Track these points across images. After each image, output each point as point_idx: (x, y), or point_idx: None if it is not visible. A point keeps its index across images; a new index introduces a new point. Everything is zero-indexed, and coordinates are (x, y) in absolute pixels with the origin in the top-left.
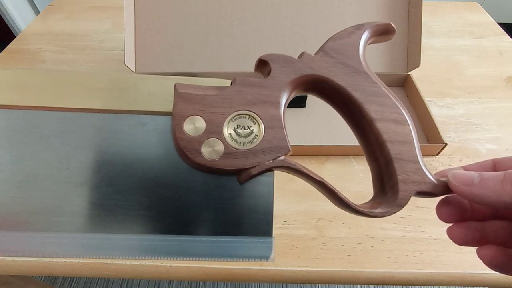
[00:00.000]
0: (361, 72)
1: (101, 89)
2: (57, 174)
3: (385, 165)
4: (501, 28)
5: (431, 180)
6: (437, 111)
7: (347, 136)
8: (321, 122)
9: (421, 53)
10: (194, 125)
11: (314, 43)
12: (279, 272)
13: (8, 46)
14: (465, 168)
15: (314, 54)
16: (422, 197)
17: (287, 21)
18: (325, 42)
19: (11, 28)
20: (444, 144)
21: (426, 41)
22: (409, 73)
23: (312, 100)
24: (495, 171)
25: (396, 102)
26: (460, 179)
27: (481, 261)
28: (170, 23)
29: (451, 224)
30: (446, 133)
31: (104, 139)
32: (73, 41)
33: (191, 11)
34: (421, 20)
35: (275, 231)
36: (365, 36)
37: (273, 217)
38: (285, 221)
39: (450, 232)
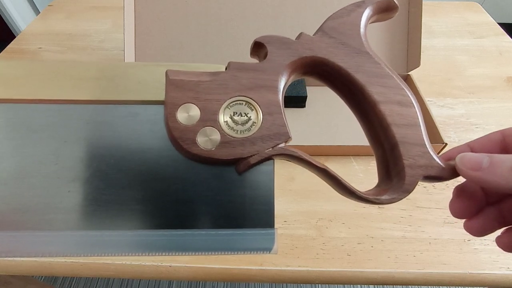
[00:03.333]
0: (363, 52)
1: (89, 79)
2: (46, 170)
3: (390, 149)
4: (501, 28)
5: (439, 163)
6: (437, 111)
7: (347, 136)
8: (321, 122)
9: (421, 53)
10: (188, 114)
11: None
12: (279, 272)
13: (8, 46)
14: (472, 146)
15: (313, 35)
16: (430, 182)
17: (287, 21)
18: (324, 22)
19: (11, 28)
20: (444, 144)
21: (426, 41)
22: (409, 73)
23: (312, 100)
24: (505, 146)
25: (401, 83)
26: (467, 164)
27: (481, 261)
28: (170, 23)
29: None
30: (446, 133)
31: (94, 131)
32: (73, 41)
33: (191, 11)
34: (421, 20)
35: None
36: (366, 13)
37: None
38: (285, 221)
39: (468, 227)
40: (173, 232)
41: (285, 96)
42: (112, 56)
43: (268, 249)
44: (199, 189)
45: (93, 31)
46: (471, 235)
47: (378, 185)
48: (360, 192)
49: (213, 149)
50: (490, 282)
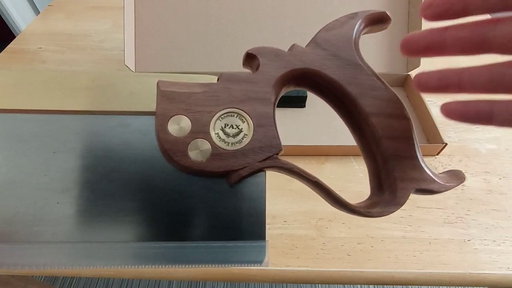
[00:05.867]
0: (355, 65)
1: (80, 89)
2: (36, 181)
3: (382, 162)
4: None
5: (430, 176)
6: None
7: (347, 136)
8: (321, 122)
9: None
10: (179, 125)
11: None
12: (279, 272)
13: (8, 46)
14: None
15: (306, 46)
16: (422, 195)
17: (287, 21)
18: (317, 33)
19: (11, 28)
20: (444, 144)
21: None
22: (409, 73)
23: (312, 100)
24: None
25: (393, 96)
26: None
27: (481, 261)
28: (170, 23)
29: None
30: (446, 133)
31: (85, 142)
32: (73, 41)
33: (191, 11)
34: (421, 20)
35: (275, 231)
36: (359, 25)
37: (273, 217)
38: (285, 221)
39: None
40: (163, 244)
41: (285, 96)
42: (112, 56)
43: (259, 262)
44: (190, 201)
45: (93, 31)
46: (471, 235)
47: (370, 197)
48: (351, 205)
49: (204, 161)
50: (490, 282)
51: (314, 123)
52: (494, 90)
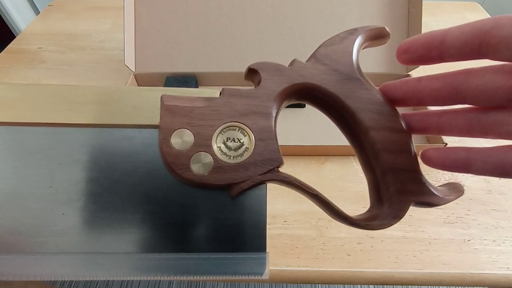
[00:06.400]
0: (355, 79)
1: (85, 103)
2: (41, 192)
3: (381, 175)
4: None
5: (429, 189)
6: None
7: None
8: (321, 122)
9: None
10: (181, 139)
11: (314, 43)
12: (279, 272)
13: (8, 46)
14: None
15: (306, 61)
16: (421, 207)
17: (287, 21)
18: (317, 49)
19: (11, 28)
20: (444, 144)
21: None
22: (409, 73)
23: None
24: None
25: (392, 110)
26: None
27: (481, 261)
28: (170, 23)
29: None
30: None
31: (89, 154)
32: (73, 41)
33: (191, 11)
34: (421, 20)
35: (275, 231)
36: (358, 41)
37: (273, 217)
38: (285, 221)
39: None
40: (166, 256)
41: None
42: (112, 56)
43: (259, 274)
44: (193, 213)
45: (93, 31)
46: (471, 235)
47: (369, 210)
48: (351, 217)
49: (206, 174)
50: (490, 282)
51: (314, 123)
52: (471, 134)
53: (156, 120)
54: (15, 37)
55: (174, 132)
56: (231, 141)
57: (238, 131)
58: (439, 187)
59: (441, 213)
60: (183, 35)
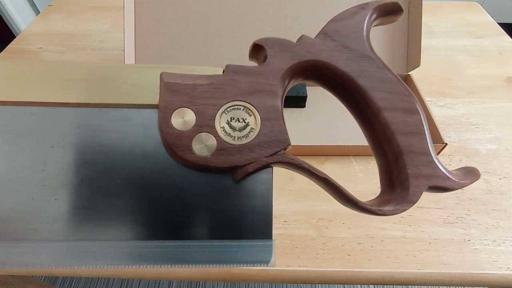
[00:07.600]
0: (367, 57)
1: (80, 81)
2: (32, 177)
3: (393, 158)
4: (501, 28)
5: (444, 173)
6: (437, 111)
7: (347, 136)
8: (321, 122)
9: (421, 53)
10: (183, 119)
11: None
12: (279, 272)
13: (8, 46)
14: None
15: (315, 37)
16: (435, 192)
17: (287, 21)
18: (327, 24)
19: (11, 28)
20: (444, 144)
21: (426, 41)
22: (409, 73)
23: (312, 100)
24: None
25: (406, 90)
26: None
27: (481, 261)
28: (170, 23)
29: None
30: (446, 133)
31: (84, 136)
32: (73, 41)
33: (191, 11)
34: (421, 20)
35: (275, 231)
36: (370, 16)
37: (273, 217)
38: (285, 221)
39: None
40: (166, 243)
41: (285, 96)
42: (112, 56)
43: (266, 262)
44: (194, 198)
45: (93, 31)
46: (471, 235)
47: (380, 195)
48: (362, 202)
49: (209, 156)
50: (490, 282)
51: (314, 123)
52: None
53: (155, 100)
54: (15, 37)
55: (175, 112)
56: (235, 121)
57: (243, 110)
58: (454, 171)
59: (441, 213)
60: (183, 35)
